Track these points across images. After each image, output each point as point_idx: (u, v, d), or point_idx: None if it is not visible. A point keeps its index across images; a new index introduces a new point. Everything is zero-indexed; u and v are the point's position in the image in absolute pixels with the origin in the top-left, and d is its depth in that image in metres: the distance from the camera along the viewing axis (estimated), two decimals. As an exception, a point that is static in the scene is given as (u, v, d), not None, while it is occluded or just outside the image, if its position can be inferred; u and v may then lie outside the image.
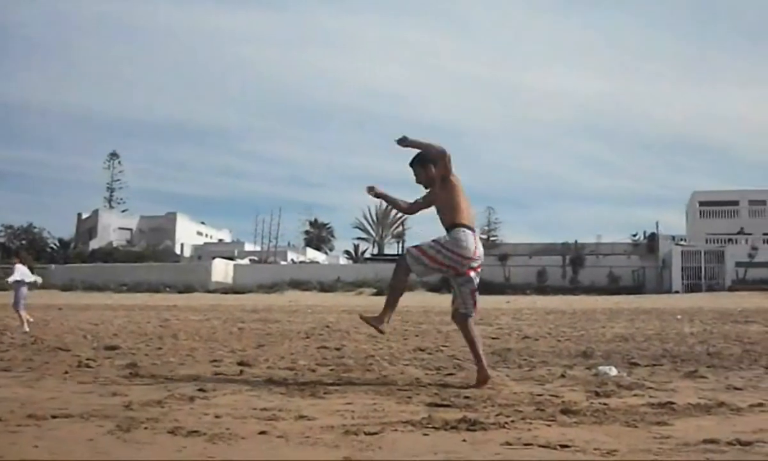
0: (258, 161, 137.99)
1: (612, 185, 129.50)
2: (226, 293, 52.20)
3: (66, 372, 7.26)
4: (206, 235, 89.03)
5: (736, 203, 63.22)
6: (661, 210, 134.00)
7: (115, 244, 78.75)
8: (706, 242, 55.53)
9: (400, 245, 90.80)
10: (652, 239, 61.80)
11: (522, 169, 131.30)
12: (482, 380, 6.41)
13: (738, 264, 52.68)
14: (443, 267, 6.54)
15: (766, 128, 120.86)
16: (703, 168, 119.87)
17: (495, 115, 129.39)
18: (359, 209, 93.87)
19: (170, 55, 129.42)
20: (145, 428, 4.37)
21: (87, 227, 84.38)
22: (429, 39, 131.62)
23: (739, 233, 57.45)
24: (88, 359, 8.43)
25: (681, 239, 57.93)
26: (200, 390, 6.01)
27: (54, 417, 4.70)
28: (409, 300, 39.85)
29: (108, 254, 71.89)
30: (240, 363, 8.17)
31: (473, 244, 6.52)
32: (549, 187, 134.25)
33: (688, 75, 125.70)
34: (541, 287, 53.42)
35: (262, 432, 4.24)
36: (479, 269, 6.68)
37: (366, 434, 4.20)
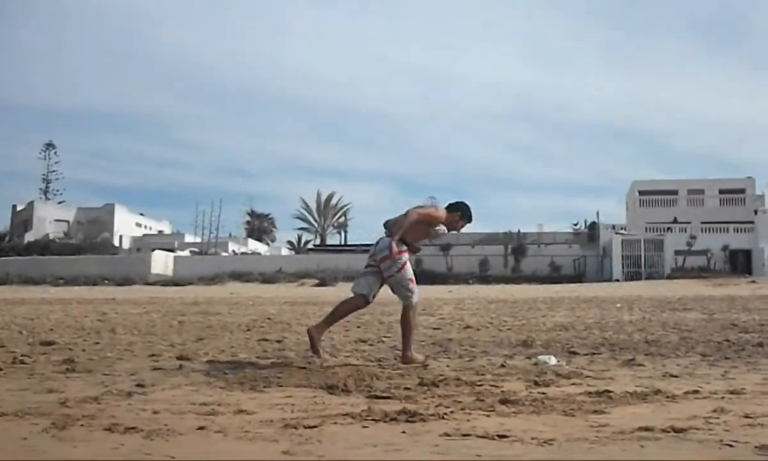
0: (195, 151, 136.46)
1: (550, 174, 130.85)
2: (166, 285, 51.52)
3: (0, 369, 7.12)
4: (145, 227, 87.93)
5: (675, 192, 64.22)
6: (600, 200, 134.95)
7: (51, 236, 77.29)
8: (646, 230, 56.34)
9: (343, 235, 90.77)
10: (593, 228, 62.51)
11: (457, 157, 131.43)
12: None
13: (677, 252, 53.59)
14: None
15: (700, 118, 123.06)
16: (640, 158, 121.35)
17: (427, 102, 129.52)
18: (300, 199, 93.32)
19: (86, 39, 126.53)
20: (81, 425, 4.31)
21: (22, 219, 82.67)
22: (362, 25, 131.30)
23: (673, 222, 58.33)
24: (23, 355, 8.25)
25: (621, 228, 58.69)
26: (138, 385, 5.94)
27: (-13, 415, 4.61)
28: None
29: (44, 247, 70.45)
30: (179, 357, 8.09)
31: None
32: (486, 176, 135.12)
33: (619, 64, 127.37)
34: (484, 277, 53.64)
35: (201, 428, 4.21)
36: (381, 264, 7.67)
37: (306, 427, 4.19)
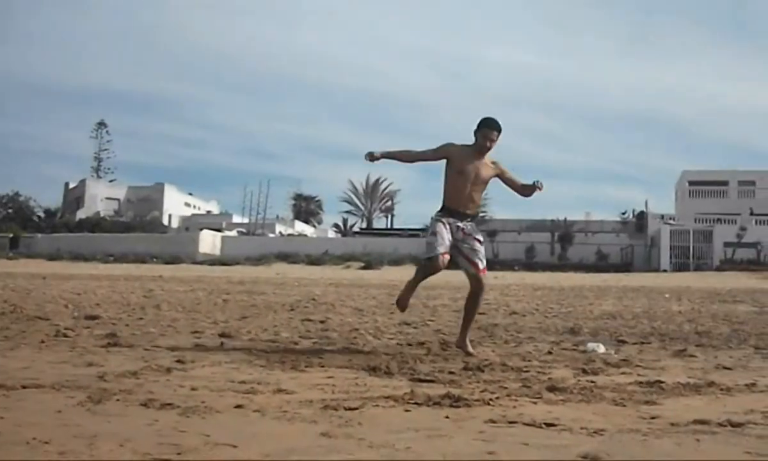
0: (238, 135, 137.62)
1: (570, 160, 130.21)
2: (213, 264, 51.86)
3: (42, 342, 7.12)
4: (194, 206, 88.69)
5: (725, 183, 63.19)
6: (648, 189, 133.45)
7: (102, 214, 78.35)
8: (695, 221, 55.52)
9: (389, 219, 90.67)
10: (641, 217, 61.80)
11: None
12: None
13: (726, 244, 52.76)
14: None
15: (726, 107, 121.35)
16: (667, 146, 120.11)
17: (454, 88, 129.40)
18: (349, 182, 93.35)
19: (131, 27, 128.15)
20: (117, 400, 4.24)
21: (74, 197, 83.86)
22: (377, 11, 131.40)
23: (726, 213, 57.39)
24: (66, 328, 8.25)
25: (670, 218, 57.91)
26: (178, 361, 5.88)
27: (24, 387, 4.57)
28: (397, 274, 39.77)
29: (95, 224, 71.43)
30: (221, 335, 8.05)
31: None
32: (526, 165, 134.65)
33: (644, 51, 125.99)
34: (530, 264, 53.24)
35: (239, 406, 4.11)
36: None
37: (346, 409, 4.08)
